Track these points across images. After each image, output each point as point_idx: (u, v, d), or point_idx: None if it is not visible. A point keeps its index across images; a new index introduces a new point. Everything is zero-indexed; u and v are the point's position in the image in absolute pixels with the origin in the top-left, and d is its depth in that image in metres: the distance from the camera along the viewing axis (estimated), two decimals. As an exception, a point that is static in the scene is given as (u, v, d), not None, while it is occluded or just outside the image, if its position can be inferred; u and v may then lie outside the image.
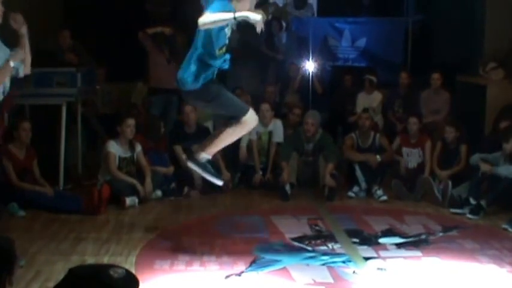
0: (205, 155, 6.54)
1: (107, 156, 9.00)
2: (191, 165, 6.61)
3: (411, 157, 9.84)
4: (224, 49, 6.36)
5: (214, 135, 6.73)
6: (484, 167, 8.61)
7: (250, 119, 6.48)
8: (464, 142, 9.55)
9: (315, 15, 15.16)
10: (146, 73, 11.08)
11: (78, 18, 11.92)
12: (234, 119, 6.48)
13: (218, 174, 6.82)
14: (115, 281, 2.80)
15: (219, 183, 6.84)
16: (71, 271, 2.84)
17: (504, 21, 11.69)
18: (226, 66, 6.41)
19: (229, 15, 5.98)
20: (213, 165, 8.45)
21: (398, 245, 7.25)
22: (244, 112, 6.43)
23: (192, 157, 6.59)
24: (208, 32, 6.13)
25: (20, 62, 6.15)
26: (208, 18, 5.93)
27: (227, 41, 6.38)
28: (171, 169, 9.45)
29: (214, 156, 9.12)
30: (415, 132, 9.86)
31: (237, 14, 5.99)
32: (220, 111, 6.83)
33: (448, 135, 9.56)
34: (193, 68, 6.19)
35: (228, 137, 6.59)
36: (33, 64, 7.73)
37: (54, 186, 8.80)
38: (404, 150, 9.88)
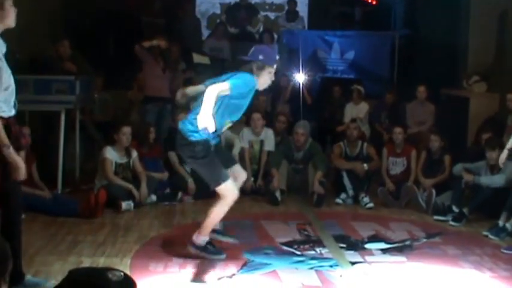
0: (204, 238, 6.60)
1: (104, 162, 9.10)
2: (192, 251, 6.62)
3: (396, 166, 10.00)
4: (230, 124, 6.57)
5: (206, 217, 6.63)
6: (467, 177, 8.79)
7: (229, 186, 6.44)
8: (448, 152, 9.70)
9: (306, 28, 15.41)
10: (139, 81, 11.28)
11: (78, 28, 12.10)
12: (211, 184, 6.49)
13: (219, 251, 6.78)
14: (113, 283, 2.81)
15: (222, 257, 6.77)
16: (71, 273, 2.88)
17: (487, 36, 11.92)
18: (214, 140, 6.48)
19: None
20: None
21: (384, 250, 7.30)
22: (223, 180, 6.38)
23: (192, 243, 6.60)
24: (234, 104, 6.32)
25: None
26: (208, 97, 5.99)
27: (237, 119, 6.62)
28: (165, 175, 9.59)
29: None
30: (401, 141, 10.00)
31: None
32: (202, 171, 6.64)
33: (433, 144, 9.70)
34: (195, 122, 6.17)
35: (216, 214, 6.54)
36: (33, 72, 7.95)
37: (52, 190, 8.86)
38: (390, 159, 10.03)
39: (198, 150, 6.34)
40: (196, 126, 6.11)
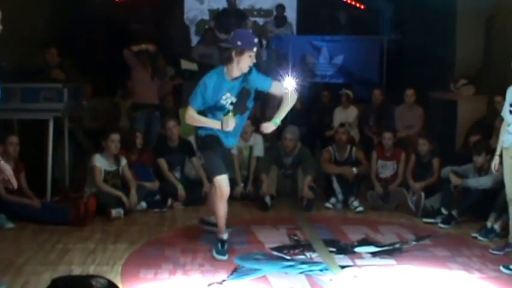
0: (222, 235, 7.24)
1: (93, 170, 9.10)
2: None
3: (385, 169, 10.04)
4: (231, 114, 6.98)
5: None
6: (455, 180, 8.83)
7: (221, 181, 7.01)
8: (437, 155, 9.73)
9: (294, 33, 15.44)
10: (128, 88, 11.28)
11: (66, 36, 12.09)
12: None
13: (225, 252, 7.16)
14: None
15: (225, 258, 7.11)
16: (54, 281, 2.90)
17: (475, 39, 11.98)
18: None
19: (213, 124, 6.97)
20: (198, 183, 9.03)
21: (373, 254, 7.33)
22: (217, 174, 7.01)
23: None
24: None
25: None
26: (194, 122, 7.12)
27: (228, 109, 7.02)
28: (156, 184, 9.58)
29: (198, 171, 9.53)
30: (390, 146, 10.04)
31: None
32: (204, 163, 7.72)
33: (421, 147, 9.73)
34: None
35: (218, 211, 7.18)
36: (21, 80, 7.92)
37: (41, 198, 8.84)
38: (380, 162, 10.06)
39: (204, 142, 7.12)
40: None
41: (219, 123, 6.88)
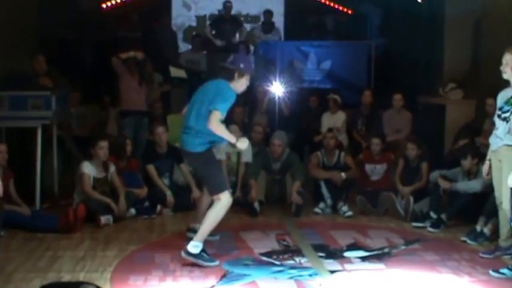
0: (197, 243, 7.08)
1: (82, 177, 9.07)
2: (186, 257, 7.09)
3: (375, 173, 10.07)
4: None
5: (203, 224, 7.25)
6: (444, 184, 8.85)
7: (229, 195, 7.22)
8: (425, 160, 9.75)
9: (282, 39, 15.49)
10: (117, 96, 11.28)
11: (53, 43, 12.09)
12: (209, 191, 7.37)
13: (212, 259, 7.14)
14: None
15: (216, 263, 7.10)
16: None
17: (462, 43, 12.04)
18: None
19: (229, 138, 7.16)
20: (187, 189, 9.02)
21: (363, 258, 7.36)
22: (226, 188, 7.23)
23: (186, 251, 7.08)
24: None
25: None
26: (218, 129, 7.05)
27: None
28: (144, 191, 9.55)
29: (186, 177, 9.55)
30: (378, 152, 10.05)
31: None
32: (205, 177, 7.50)
33: (410, 152, 9.75)
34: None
35: (213, 219, 7.20)
36: (9, 88, 7.90)
37: (31, 206, 8.85)
38: (368, 166, 10.10)
39: (206, 156, 7.22)
40: (203, 138, 7.14)
41: (235, 137, 7.19)
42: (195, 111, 7.20)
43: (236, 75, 7.24)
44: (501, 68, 7.10)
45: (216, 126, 7.01)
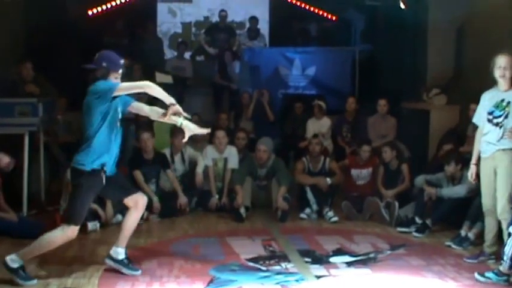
0: (17, 258, 6.72)
1: (68, 184, 9.03)
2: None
3: (360, 178, 10.12)
4: None
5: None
6: (429, 190, 8.87)
7: (74, 232, 6.76)
8: (404, 161, 9.87)
9: (267, 45, 15.55)
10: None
11: (40, 50, 12.08)
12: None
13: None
14: None
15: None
16: None
17: (446, 50, 12.12)
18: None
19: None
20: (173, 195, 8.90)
21: (348, 263, 7.42)
22: (76, 223, 6.74)
23: (3, 261, 6.72)
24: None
25: None
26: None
27: None
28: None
29: (173, 183, 9.53)
30: (367, 158, 10.10)
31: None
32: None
33: (384, 155, 9.86)
34: None
35: (44, 243, 6.80)
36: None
37: (18, 212, 8.81)
38: (354, 171, 10.15)
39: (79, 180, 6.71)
40: (85, 157, 6.71)
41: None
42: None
43: (99, 75, 6.77)
44: (500, 70, 7.08)
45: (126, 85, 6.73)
